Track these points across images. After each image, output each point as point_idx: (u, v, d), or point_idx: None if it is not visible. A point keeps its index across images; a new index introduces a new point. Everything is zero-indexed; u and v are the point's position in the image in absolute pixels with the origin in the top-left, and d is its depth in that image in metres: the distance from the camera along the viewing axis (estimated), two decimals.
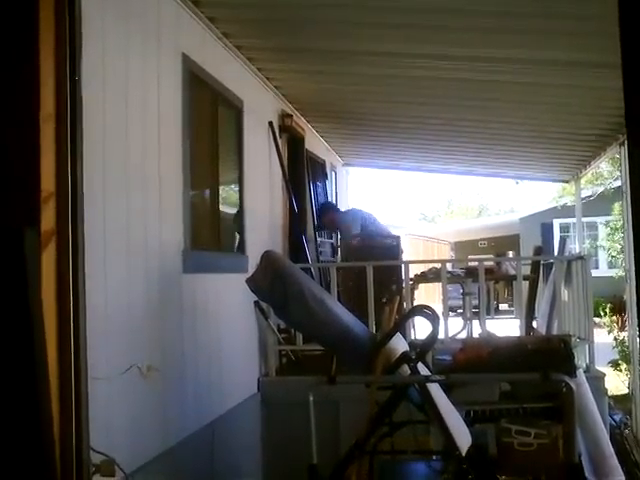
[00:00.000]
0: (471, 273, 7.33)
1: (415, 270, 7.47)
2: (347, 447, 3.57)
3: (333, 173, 10.56)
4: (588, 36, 4.68)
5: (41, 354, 1.94)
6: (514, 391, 4.27)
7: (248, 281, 3.88)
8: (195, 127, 4.76)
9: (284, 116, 7.34)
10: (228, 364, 5.20)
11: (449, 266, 8.46)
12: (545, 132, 7.95)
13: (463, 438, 3.49)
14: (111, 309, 3.46)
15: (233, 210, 5.82)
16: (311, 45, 5.73)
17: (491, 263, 8.07)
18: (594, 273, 6.15)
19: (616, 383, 8.82)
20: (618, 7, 1.80)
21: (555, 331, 6.14)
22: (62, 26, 2.13)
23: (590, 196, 15.72)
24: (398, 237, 7.33)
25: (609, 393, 6.43)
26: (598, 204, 15.61)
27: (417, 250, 21.69)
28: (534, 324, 7.08)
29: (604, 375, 5.69)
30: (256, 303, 5.77)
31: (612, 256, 16.81)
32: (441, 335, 4.83)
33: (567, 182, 11.85)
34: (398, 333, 3.83)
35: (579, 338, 5.65)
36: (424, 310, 3.69)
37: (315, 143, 9.23)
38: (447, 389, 3.66)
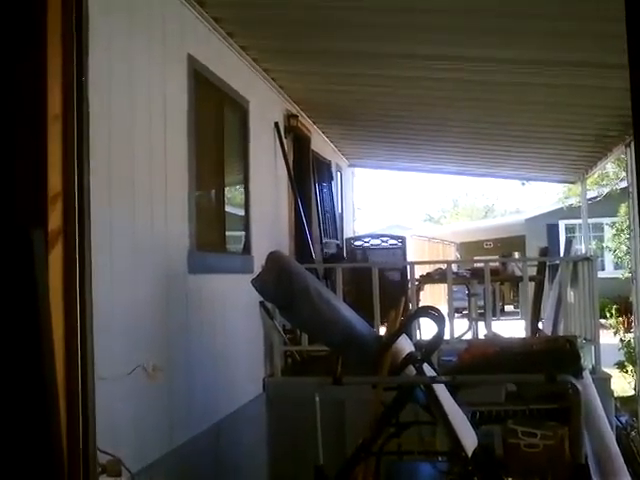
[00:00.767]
0: (476, 274, 7.33)
1: (421, 271, 7.48)
2: (353, 448, 3.58)
3: (339, 174, 10.56)
4: (594, 37, 4.67)
5: (49, 354, 1.95)
6: (520, 392, 4.26)
7: (254, 281, 3.89)
8: (201, 127, 4.76)
9: (290, 117, 7.34)
10: (234, 364, 5.20)
11: (455, 267, 8.46)
12: (551, 133, 7.93)
13: (469, 439, 3.49)
14: (117, 309, 3.46)
15: (239, 211, 5.82)
16: (317, 46, 5.72)
17: (497, 264, 8.06)
18: (600, 274, 6.14)
19: (622, 385, 8.80)
20: (625, 6, 1.79)
21: (561, 332, 6.13)
22: (69, 26, 2.13)
23: (596, 197, 15.68)
24: (404, 238, 7.35)
25: (615, 395, 6.41)
26: (604, 205, 15.56)
27: (422, 251, 21.68)
28: (540, 325, 7.07)
29: (610, 376, 5.69)
30: (261, 303, 5.78)
31: (618, 257, 16.77)
32: (447, 336, 4.83)
33: (573, 183, 11.84)
34: (404, 334, 3.83)
35: (585, 339, 5.64)
36: (430, 311, 3.68)
37: (321, 144, 9.23)
38: (453, 390, 3.65)
